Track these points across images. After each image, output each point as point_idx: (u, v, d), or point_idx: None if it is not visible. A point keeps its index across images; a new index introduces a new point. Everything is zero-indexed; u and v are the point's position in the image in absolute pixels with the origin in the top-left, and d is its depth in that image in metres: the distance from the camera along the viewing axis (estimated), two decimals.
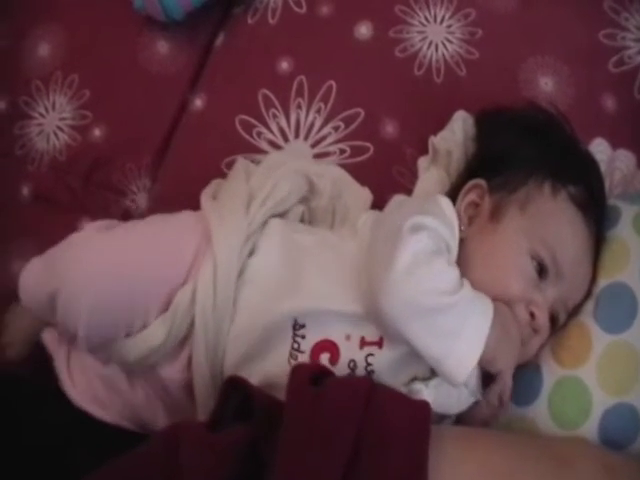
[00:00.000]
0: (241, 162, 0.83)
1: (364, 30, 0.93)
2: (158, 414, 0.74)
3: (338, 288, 0.70)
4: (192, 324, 0.70)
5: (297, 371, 0.64)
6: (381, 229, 0.71)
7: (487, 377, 0.68)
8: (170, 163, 0.93)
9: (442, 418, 0.68)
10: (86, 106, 0.95)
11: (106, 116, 0.95)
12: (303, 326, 0.69)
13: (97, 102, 0.95)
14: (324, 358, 0.69)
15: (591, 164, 0.78)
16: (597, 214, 0.74)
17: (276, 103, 0.91)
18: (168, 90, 0.96)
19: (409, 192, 0.83)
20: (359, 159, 0.88)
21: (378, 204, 0.81)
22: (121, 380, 0.74)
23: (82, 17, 0.99)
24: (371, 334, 0.68)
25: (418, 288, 0.63)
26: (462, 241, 0.71)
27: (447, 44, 0.91)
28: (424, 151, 0.85)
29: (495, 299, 0.67)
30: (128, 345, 0.70)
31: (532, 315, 0.69)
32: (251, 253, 0.72)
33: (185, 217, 0.76)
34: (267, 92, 0.91)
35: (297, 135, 0.89)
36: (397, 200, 0.77)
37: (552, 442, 0.66)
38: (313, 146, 0.89)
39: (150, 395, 0.74)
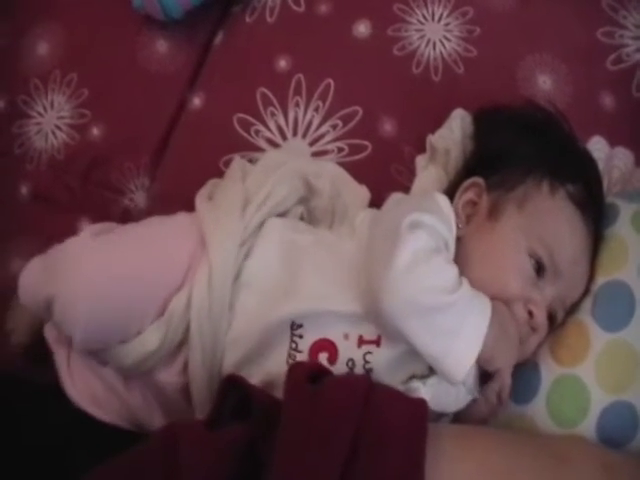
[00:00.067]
0: (238, 161, 0.83)
1: (362, 28, 0.93)
2: (155, 415, 0.74)
3: (336, 288, 0.70)
4: (188, 329, 0.70)
5: (295, 370, 0.64)
6: (379, 227, 0.71)
7: (485, 375, 0.69)
8: (169, 162, 0.93)
9: (440, 416, 0.68)
10: (85, 105, 0.95)
11: (105, 115, 0.95)
12: (301, 326, 0.69)
13: (96, 101, 0.95)
14: (322, 357, 0.69)
15: (589, 162, 0.78)
16: (595, 212, 0.74)
17: (274, 101, 0.91)
18: (167, 89, 0.96)
19: (407, 190, 0.83)
20: (357, 157, 0.88)
21: (376, 202, 0.81)
22: (118, 381, 0.74)
23: (81, 16, 0.99)
24: (369, 333, 0.68)
25: (418, 286, 0.63)
26: (460, 239, 0.71)
27: (445, 42, 0.91)
28: (422, 149, 0.85)
29: (493, 298, 0.67)
30: (124, 350, 0.70)
31: (530, 313, 0.69)
32: (248, 255, 0.72)
33: (180, 221, 0.76)
34: (265, 90, 0.91)
35: (295, 133, 0.89)
36: (395, 198, 0.77)
37: (550, 440, 0.66)
38: (311, 144, 0.89)
39: (147, 396, 0.74)
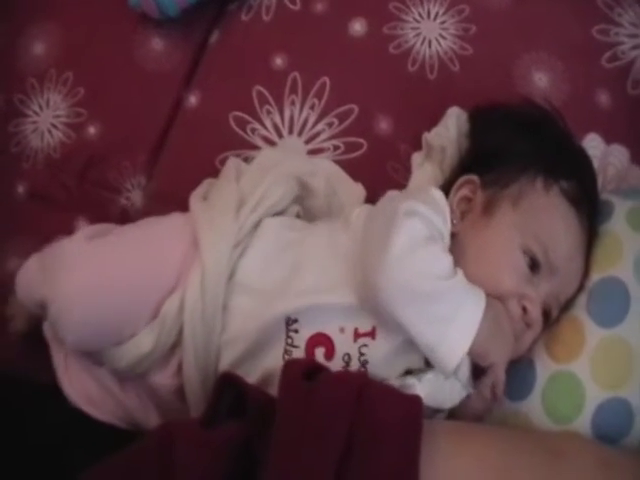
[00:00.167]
0: (232, 161, 0.83)
1: (358, 27, 0.93)
2: (151, 415, 0.75)
3: (331, 281, 0.70)
4: (181, 331, 0.70)
5: (289, 367, 0.64)
6: (374, 217, 0.71)
7: (480, 372, 0.69)
8: (165, 160, 0.93)
9: (435, 412, 0.68)
10: (81, 104, 0.95)
11: (101, 114, 0.95)
12: (296, 321, 0.69)
13: (92, 100, 0.95)
14: (319, 352, 0.69)
15: (584, 159, 0.78)
16: (590, 209, 0.74)
17: (270, 99, 0.91)
18: (163, 87, 0.96)
19: (403, 188, 0.83)
20: (353, 155, 0.88)
21: (372, 200, 0.81)
22: (113, 382, 0.75)
23: (77, 15, 0.99)
24: (364, 324, 0.69)
25: (413, 271, 0.64)
26: (454, 236, 0.72)
27: (441, 40, 0.91)
28: (418, 147, 0.85)
29: (488, 294, 0.67)
30: (118, 353, 0.71)
31: (525, 310, 0.69)
32: (242, 255, 0.72)
33: (173, 222, 0.76)
34: (261, 89, 0.91)
35: (291, 131, 0.90)
36: (389, 195, 0.77)
37: (546, 436, 0.66)
38: (307, 142, 0.89)
39: (142, 397, 0.74)
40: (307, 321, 0.69)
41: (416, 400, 0.61)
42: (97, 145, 0.94)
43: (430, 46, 0.91)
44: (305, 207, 0.82)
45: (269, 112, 0.90)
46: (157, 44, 0.97)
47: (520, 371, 0.70)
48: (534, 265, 0.70)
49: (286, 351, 0.69)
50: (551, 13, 0.91)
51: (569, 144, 0.79)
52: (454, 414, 0.69)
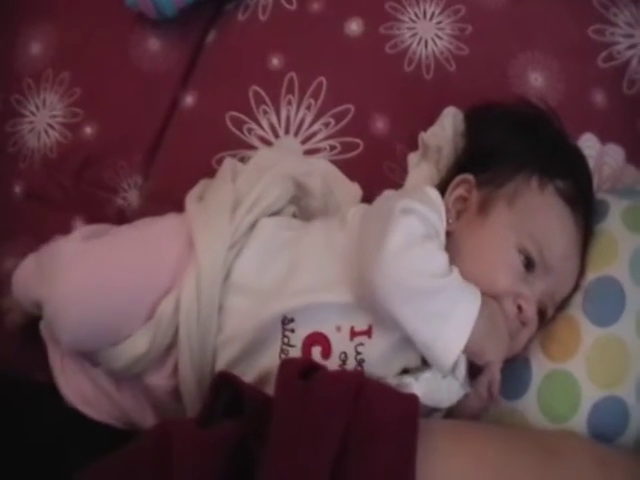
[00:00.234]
0: (229, 161, 0.83)
1: (354, 27, 0.93)
2: (147, 415, 0.75)
3: (327, 279, 0.70)
4: (177, 332, 0.70)
5: (286, 366, 0.64)
6: (371, 215, 0.71)
7: (476, 371, 0.69)
8: (161, 160, 0.93)
9: (432, 411, 0.68)
10: (77, 104, 0.95)
11: (97, 114, 0.94)
12: (292, 320, 0.69)
13: (88, 100, 0.95)
14: (316, 351, 0.69)
15: (579, 159, 0.78)
16: (585, 208, 0.74)
17: (267, 99, 0.91)
18: (159, 87, 0.96)
19: (399, 187, 0.83)
20: (349, 155, 0.88)
21: (368, 200, 0.81)
22: (109, 382, 0.75)
23: (73, 15, 0.99)
24: (360, 323, 0.69)
25: (409, 269, 0.64)
26: (450, 235, 0.72)
27: (437, 40, 0.91)
28: (414, 147, 0.85)
29: (483, 293, 0.67)
30: (114, 353, 0.71)
31: (520, 308, 0.69)
32: (238, 255, 0.72)
33: (169, 223, 0.76)
34: (258, 89, 0.91)
35: (287, 131, 0.90)
36: (385, 195, 0.78)
37: (543, 435, 0.66)
38: (303, 142, 0.89)
39: (138, 398, 0.75)
40: (303, 320, 0.69)
41: (413, 399, 0.61)
42: (94, 145, 0.94)
43: (426, 46, 0.91)
44: (301, 207, 0.82)
45: (265, 112, 0.90)
46: (154, 44, 0.97)
47: (516, 370, 0.70)
48: (529, 264, 0.70)
49: (282, 350, 0.69)
50: (547, 13, 0.91)
51: (564, 144, 0.79)
52: (451, 413, 0.69)
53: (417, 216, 0.67)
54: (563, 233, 0.72)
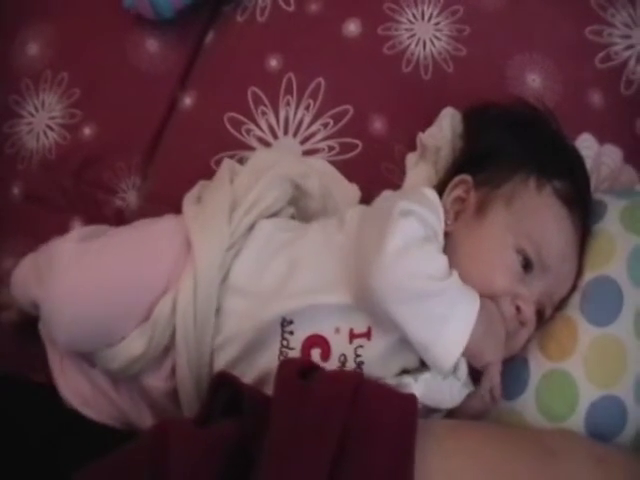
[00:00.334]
0: (227, 162, 0.83)
1: (353, 27, 0.93)
2: (145, 416, 0.75)
3: (326, 281, 0.70)
4: (174, 333, 0.70)
5: (285, 366, 0.64)
6: (369, 217, 0.71)
7: (475, 371, 0.69)
8: (160, 161, 0.93)
9: (432, 412, 0.68)
10: (76, 105, 0.95)
11: (96, 115, 0.94)
12: (291, 322, 0.69)
13: (87, 101, 0.95)
14: (315, 354, 0.69)
15: (577, 160, 0.79)
16: (583, 209, 0.74)
17: (265, 100, 0.91)
18: (158, 88, 0.96)
19: (398, 188, 0.83)
20: (348, 156, 0.88)
21: (366, 201, 0.81)
22: (107, 383, 0.75)
23: (72, 16, 0.99)
24: (359, 325, 0.69)
25: (408, 271, 0.64)
26: (448, 236, 0.72)
27: (435, 41, 0.91)
28: (412, 148, 0.85)
29: (481, 293, 0.67)
30: (109, 354, 0.71)
31: (518, 309, 0.69)
32: (236, 257, 0.72)
33: (166, 224, 0.77)
34: (256, 90, 0.91)
35: (286, 132, 0.90)
36: (384, 195, 0.78)
37: (541, 434, 0.66)
38: (302, 143, 0.89)
39: (135, 398, 0.75)
40: (302, 322, 0.69)
41: (411, 399, 0.61)
42: (92, 146, 0.94)
43: (424, 47, 0.91)
44: (300, 208, 0.82)
45: (264, 113, 0.91)
46: (152, 45, 0.97)
47: (514, 369, 0.70)
48: (527, 265, 0.70)
49: (281, 353, 0.69)
50: (544, 14, 0.91)
51: (562, 144, 0.79)
52: (453, 413, 0.69)
53: (416, 218, 0.67)
54: (561, 233, 0.72)
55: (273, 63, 0.93)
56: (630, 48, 0.90)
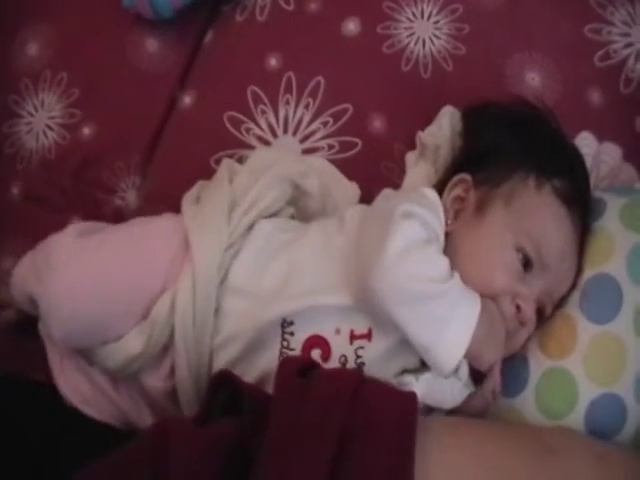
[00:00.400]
0: (226, 162, 0.83)
1: (352, 26, 0.93)
2: (144, 415, 0.75)
3: (326, 282, 0.70)
4: (173, 332, 0.70)
5: (285, 364, 0.64)
6: (370, 218, 0.71)
7: (476, 372, 0.69)
8: (159, 160, 0.93)
9: (432, 412, 0.68)
10: (75, 104, 0.95)
11: (95, 114, 0.94)
12: (292, 323, 0.69)
13: (86, 100, 0.95)
14: (315, 354, 0.69)
15: (576, 158, 0.78)
16: (582, 207, 0.74)
17: (265, 99, 0.91)
18: (157, 88, 0.96)
19: (397, 187, 0.83)
20: (347, 154, 0.88)
21: (366, 199, 0.81)
22: (106, 382, 0.75)
23: (71, 16, 0.99)
24: (360, 326, 0.69)
25: (409, 273, 0.64)
26: (448, 235, 0.72)
27: (434, 40, 0.91)
28: (412, 146, 0.85)
29: (481, 293, 0.67)
30: (107, 352, 0.71)
31: (518, 308, 0.69)
32: (235, 258, 0.72)
33: (164, 223, 0.77)
34: (256, 88, 0.91)
35: (286, 131, 0.90)
36: (384, 194, 0.78)
37: (541, 431, 0.66)
38: (302, 141, 0.89)
39: (135, 398, 0.75)
40: (303, 323, 0.69)
41: (412, 397, 0.61)
42: (92, 146, 0.94)
43: (424, 46, 0.91)
44: (300, 208, 0.82)
45: (264, 112, 0.91)
46: (151, 45, 0.97)
47: (514, 368, 0.70)
48: (527, 263, 0.70)
49: (282, 354, 0.69)
50: (543, 12, 0.91)
51: (562, 143, 0.79)
52: (452, 410, 0.69)
53: (418, 220, 0.67)
54: (560, 232, 0.72)
55: (272, 62, 0.93)
56: (629, 46, 0.90)
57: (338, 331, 0.69)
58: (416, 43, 0.91)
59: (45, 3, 1.00)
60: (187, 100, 0.95)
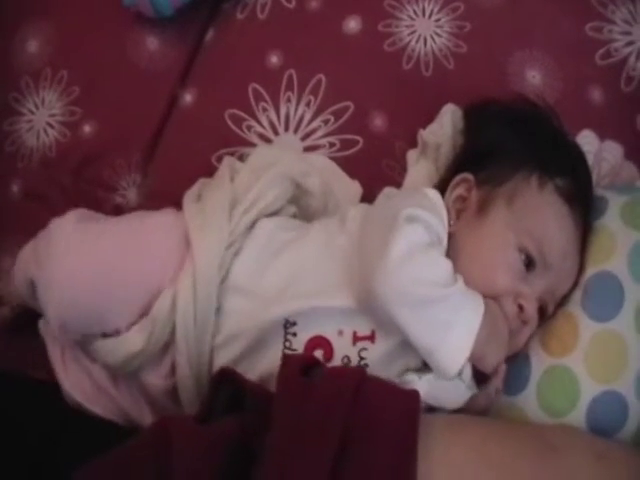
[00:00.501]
0: (227, 160, 0.83)
1: (353, 24, 0.93)
2: (145, 413, 0.75)
3: (328, 283, 0.70)
4: (174, 330, 0.70)
5: (288, 362, 0.64)
6: (373, 220, 0.71)
7: (479, 374, 0.69)
8: (160, 158, 0.93)
9: (435, 410, 0.68)
10: (76, 102, 0.95)
11: (96, 112, 0.94)
12: (294, 324, 0.69)
13: (87, 98, 0.95)
14: (318, 355, 0.69)
15: (578, 156, 0.78)
16: (584, 206, 0.74)
17: (266, 97, 0.91)
18: (158, 86, 0.96)
19: (398, 185, 0.83)
20: (348, 152, 0.88)
21: (367, 197, 0.81)
22: (107, 380, 0.75)
23: (72, 14, 0.99)
24: (363, 328, 0.69)
25: (412, 277, 0.64)
26: (450, 235, 0.71)
27: (436, 38, 0.91)
28: (413, 144, 0.86)
29: (484, 293, 0.67)
30: (107, 349, 0.71)
31: (520, 307, 0.69)
32: (236, 256, 0.72)
33: (164, 217, 0.77)
34: (257, 86, 0.91)
35: (287, 128, 0.90)
36: (386, 193, 0.78)
37: (543, 429, 0.67)
38: (303, 139, 0.89)
39: (135, 395, 0.75)
40: (306, 324, 0.69)
41: (414, 395, 0.61)
42: (92, 143, 0.94)
43: (425, 44, 0.91)
44: (301, 207, 0.82)
45: (265, 109, 0.91)
46: (152, 43, 0.97)
47: (516, 365, 0.70)
48: (529, 263, 0.70)
49: (284, 354, 0.69)
50: (544, 11, 0.91)
51: (563, 141, 0.79)
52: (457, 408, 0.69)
53: (422, 224, 0.67)
54: (562, 231, 0.72)
55: (274, 60, 0.93)
56: (630, 45, 0.90)
57: (341, 332, 0.69)
58: (417, 41, 0.91)
59: (46, 1, 1.00)
60: (188, 98, 0.95)
